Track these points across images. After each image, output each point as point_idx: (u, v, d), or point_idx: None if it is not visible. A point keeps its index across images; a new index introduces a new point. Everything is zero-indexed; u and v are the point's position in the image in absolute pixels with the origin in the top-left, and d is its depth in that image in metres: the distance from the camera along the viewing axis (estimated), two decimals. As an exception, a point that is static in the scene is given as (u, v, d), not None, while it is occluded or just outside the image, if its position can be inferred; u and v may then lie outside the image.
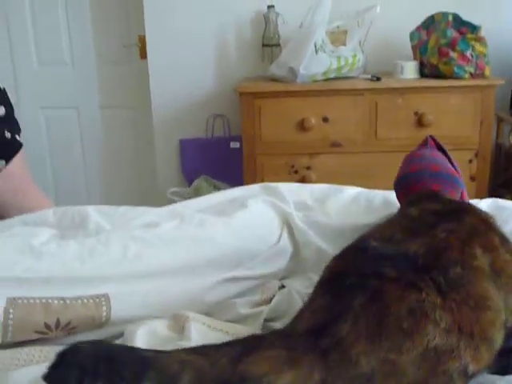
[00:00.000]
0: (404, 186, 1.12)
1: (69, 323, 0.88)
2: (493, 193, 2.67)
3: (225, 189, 2.66)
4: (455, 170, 1.12)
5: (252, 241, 1.06)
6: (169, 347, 0.75)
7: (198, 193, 2.76)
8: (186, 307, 0.92)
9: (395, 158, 2.27)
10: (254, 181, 2.42)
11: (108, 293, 0.91)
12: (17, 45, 3.15)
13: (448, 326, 0.69)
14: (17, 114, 3.27)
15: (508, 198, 2.51)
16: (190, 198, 2.69)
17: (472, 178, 2.35)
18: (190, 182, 2.85)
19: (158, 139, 2.94)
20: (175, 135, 2.91)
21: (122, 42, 3.04)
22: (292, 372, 0.63)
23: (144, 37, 2.89)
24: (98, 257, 0.94)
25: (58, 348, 0.81)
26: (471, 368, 0.70)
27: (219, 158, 2.85)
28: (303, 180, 2.36)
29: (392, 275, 0.72)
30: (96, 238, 0.99)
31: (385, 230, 0.87)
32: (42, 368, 0.68)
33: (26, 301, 0.86)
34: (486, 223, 0.88)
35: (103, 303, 0.90)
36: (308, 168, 2.40)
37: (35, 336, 0.87)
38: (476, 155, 2.35)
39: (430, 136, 1.21)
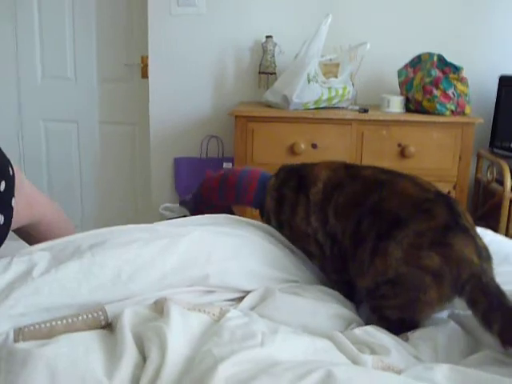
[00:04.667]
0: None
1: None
2: (470, 225, 2.79)
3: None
4: None
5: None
6: (149, 324, 0.87)
7: (188, 209, 2.86)
8: None
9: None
10: (243, 200, 2.54)
11: (104, 306, 0.99)
12: (23, 58, 3.26)
13: None
14: (18, 125, 3.38)
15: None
16: (180, 214, 2.81)
17: (450, 209, 2.46)
18: (182, 198, 2.95)
19: (154, 156, 3.04)
20: (170, 153, 3.01)
21: (124, 60, 3.15)
22: None
23: (146, 57, 3.01)
24: (91, 279, 1.01)
25: None
26: None
27: (212, 178, 2.96)
28: (290, 202, 2.47)
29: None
30: (91, 260, 1.05)
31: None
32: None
33: (32, 328, 0.93)
34: None
35: (101, 316, 0.98)
36: (296, 191, 2.50)
37: None
38: (454, 187, 2.46)
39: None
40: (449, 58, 2.49)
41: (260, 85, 2.83)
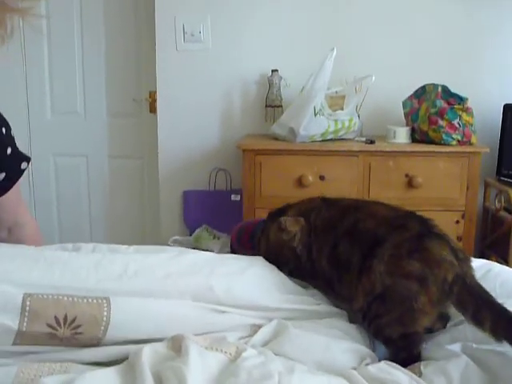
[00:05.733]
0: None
1: (74, 319, 1.00)
2: (480, 254, 2.79)
3: (224, 238, 2.79)
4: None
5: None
6: (168, 364, 0.89)
7: (198, 242, 2.87)
8: (179, 321, 1.07)
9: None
10: (252, 232, 2.55)
11: (109, 296, 1.05)
12: (33, 94, 3.31)
13: None
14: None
15: (493, 259, 2.65)
16: (190, 246, 2.83)
17: (459, 238, 2.46)
18: (191, 231, 2.97)
19: (163, 189, 3.07)
20: (179, 186, 3.04)
21: (132, 96, 3.21)
22: None
23: (154, 92, 3.07)
24: (100, 271, 1.10)
25: (77, 366, 0.95)
26: None
27: (220, 210, 2.98)
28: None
29: None
30: (102, 256, 1.17)
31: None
32: (63, 377, 0.81)
33: (40, 296, 1.00)
34: None
35: (105, 305, 1.03)
36: (304, 222, 2.52)
37: (46, 329, 0.99)
38: (463, 217, 2.47)
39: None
40: (453, 89, 2.52)
41: (266, 118, 2.87)
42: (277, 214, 1.40)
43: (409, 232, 1.14)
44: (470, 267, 1.13)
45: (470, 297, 1.07)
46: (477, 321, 1.04)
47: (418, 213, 1.23)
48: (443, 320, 1.20)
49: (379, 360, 1.11)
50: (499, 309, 1.03)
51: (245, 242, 1.52)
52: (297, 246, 1.30)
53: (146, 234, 3.31)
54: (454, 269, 1.08)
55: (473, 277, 1.11)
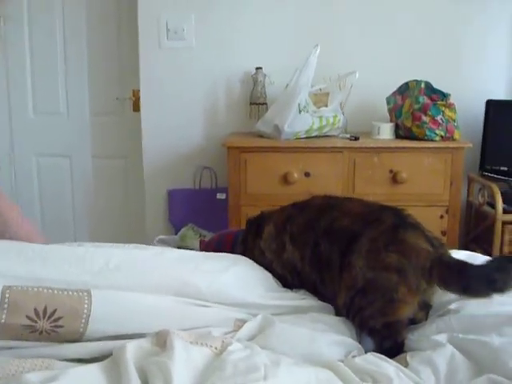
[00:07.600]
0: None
1: (54, 312, 0.99)
2: (464, 248, 2.81)
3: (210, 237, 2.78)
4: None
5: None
6: (153, 359, 0.88)
7: (184, 241, 2.85)
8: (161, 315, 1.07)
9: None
10: (238, 230, 2.54)
11: (90, 289, 1.05)
12: (15, 94, 3.27)
13: None
14: (11, 160, 3.38)
15: (478, 253, 2.66)
16: (176, 245, 2.81)
17: (443, 233, 2.47)
18: (177, 230, 2.95)
19: (148, 189, 3.04)
20: (164, 185, 3.02)
21: (115, 95, 3.18)
22: None
23: (137, 91, 3.04)
24: (82, 263, 1.10)
25: (60, 362, 0.93)
26: None
27: (206, 208, 2.96)
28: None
29: None
30: (86, 249, 1.17)
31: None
32: (46, 374, 0.80)
33: (19, 288, 1.00)
34: None
35: (85, 297, 1.03)
36: (290, 219, 2.52)
37: (26, 321, 0.98)
38: (447, 212, 2.48)
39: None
40: (436, 85, 2.53)
41: (251, 115, 2.86)
42: (254, 222, 1.44)
43: (383, 225, 1.17)
44: (446, 251, 1.17)
45: (449, 271, 1.10)
46: (468, 293, 1.11)
47: (403, 208, 1.24)
48: (425, 309, 1.21)
49: (366, 352, 1.11)
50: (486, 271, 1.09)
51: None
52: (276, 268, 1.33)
53: (131, 234, 3.28)
54: (430, 256, 1.11)
55: (449, 254, 1.15)
